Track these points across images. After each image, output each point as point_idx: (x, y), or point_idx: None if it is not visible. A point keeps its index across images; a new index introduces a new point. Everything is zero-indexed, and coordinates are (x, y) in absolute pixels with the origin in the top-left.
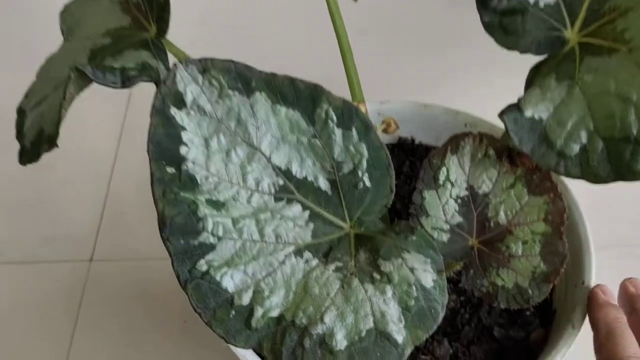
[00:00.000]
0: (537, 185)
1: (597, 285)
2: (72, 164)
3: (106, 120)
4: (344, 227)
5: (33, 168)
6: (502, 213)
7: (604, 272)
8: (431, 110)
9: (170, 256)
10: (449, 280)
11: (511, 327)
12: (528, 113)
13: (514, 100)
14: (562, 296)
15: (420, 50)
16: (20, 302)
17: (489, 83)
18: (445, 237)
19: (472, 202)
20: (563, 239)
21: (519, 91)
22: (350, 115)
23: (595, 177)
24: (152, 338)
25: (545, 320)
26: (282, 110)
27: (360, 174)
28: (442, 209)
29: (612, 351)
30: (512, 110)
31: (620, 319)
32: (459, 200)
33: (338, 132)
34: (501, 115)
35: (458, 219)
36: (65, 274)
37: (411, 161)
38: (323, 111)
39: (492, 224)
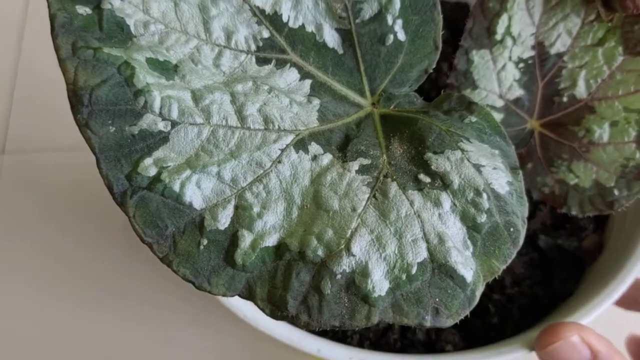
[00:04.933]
0: (639, 42)
1: None
2: None
3: None
4: (363, 104)
5: None
6: (581, 82)
7: None
8: None
9: (94, 153)
10: None
11: (559, 235)
12: None
13: None
14: None
15: None
16: None
17: None
18: (496, 119)
19: (539, 67)
20: None
21: None
22: None
23: None
24: (86, 250)
25: (599, 223)
26: None
27: (389, 20)
28: (496, 77)
29: None
30: None
31: None
32: (521, 65)
33: None
34: None
35: (517, 91)
36: None
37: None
38: None
39: (564, 99)
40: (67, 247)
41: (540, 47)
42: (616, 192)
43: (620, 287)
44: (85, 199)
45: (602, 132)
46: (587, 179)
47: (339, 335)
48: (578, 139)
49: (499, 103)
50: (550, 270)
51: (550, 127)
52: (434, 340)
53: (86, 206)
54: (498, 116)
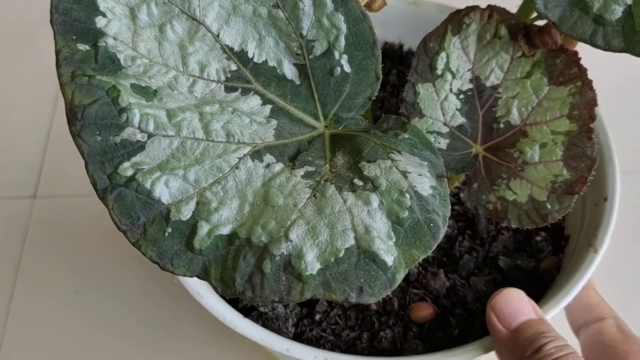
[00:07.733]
0: (561, 73)
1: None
2: (8, 89)
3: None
4: (317, 126)
5: None
6: (514, 110)
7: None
8: (421, 8)
9: (83, 157)
10: None
11: (518, 256)
12: None
13: None
14: (577, 218)
15: None
16: None
17: None
18: (443, 143)
19: (478, 98)
20: (592, 138)
21: None
22: None
23: None
24: (105, 283)
25: (558, 247)
26: None
27: (337, 55)
28: (440, 107)
29: None
30: None
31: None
32: (462, 96)
33: (307, 0)
34: None
35: (460, 119)
36: (4, 213)
37: (399, 70)
38: None
39: (501, 125)
40: (88, 280)
41: (477, 80)
42: (549, 205)
43: (562, 302)
44: (105, 236)
45: (534, 153)
46: (523, 195)
47: (312, 343)
48: (514, 159)
49: (444, 130)
50: None
51: (491, 151)
52: (399, 349)
53: (105, 242)
54: (444, 141)
